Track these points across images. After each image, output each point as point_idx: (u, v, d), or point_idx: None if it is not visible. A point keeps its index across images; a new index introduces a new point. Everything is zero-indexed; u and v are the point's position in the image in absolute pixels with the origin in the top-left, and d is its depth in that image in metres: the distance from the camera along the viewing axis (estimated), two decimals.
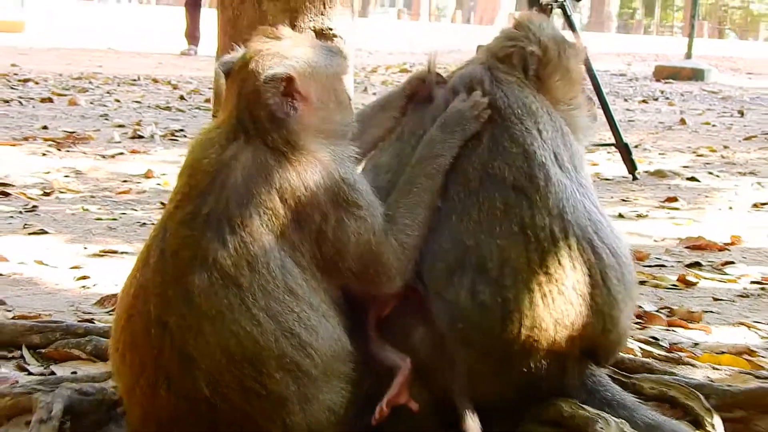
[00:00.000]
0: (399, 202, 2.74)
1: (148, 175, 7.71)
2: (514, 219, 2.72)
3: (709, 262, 5.40)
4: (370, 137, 3.01)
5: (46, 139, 9.15)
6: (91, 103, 12.11)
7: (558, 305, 2.70)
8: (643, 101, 14.85)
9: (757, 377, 3.26)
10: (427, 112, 2.94)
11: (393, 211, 2.72)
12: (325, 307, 2.61)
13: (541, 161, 2.77)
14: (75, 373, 3.33)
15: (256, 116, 2.63)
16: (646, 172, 8.47)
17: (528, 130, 2.81)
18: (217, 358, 2.47)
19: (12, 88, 13.29)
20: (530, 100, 2.88)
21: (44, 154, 8.47)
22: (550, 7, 7.89)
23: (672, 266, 5.30)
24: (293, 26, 3.19)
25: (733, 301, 4.69)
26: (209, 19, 18.07)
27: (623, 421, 2.67)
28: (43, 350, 3.55)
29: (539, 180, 2.74)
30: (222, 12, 3.33)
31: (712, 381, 3.25)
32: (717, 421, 2.85)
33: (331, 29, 3.26)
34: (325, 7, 3.25)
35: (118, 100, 12.47)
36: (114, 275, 4.80)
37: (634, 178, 8.16)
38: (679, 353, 3.67)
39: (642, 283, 4.76)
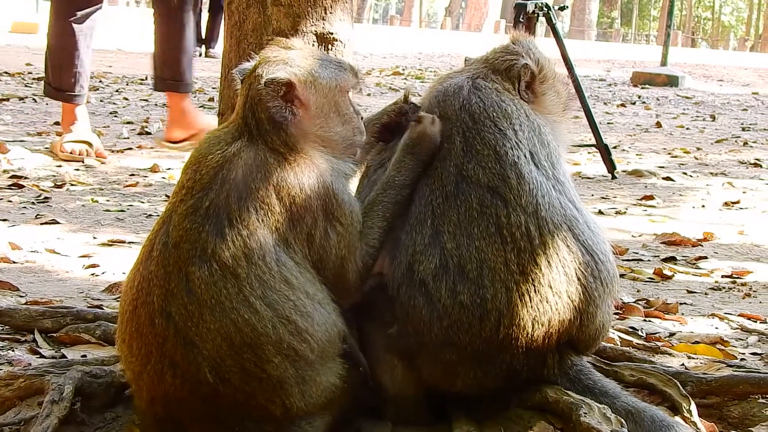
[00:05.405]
0: (365, 223, 2.71)
1: (154, 170, 7.68)
2: (491, 219, 2.67)
3: (683, 256, 5.40)
4: None
5: (58, 134, 9.09)
6: (101, 101, 12.05)
7: (535, 304, 2.65)
8: (622, 105, 14.84)
9: (730, 366, 3.26)
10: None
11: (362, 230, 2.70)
12: (321, 296, 2.60)
13: (514, 161, 2.72)
14: (85, 356, 3.32)
15: (259, 118, 2.62)
16: (624, 171, 8.46)
17: (502, 131, 2.76)
18: (219, 344, 2.46)
19: (26, 86, 13.21)
20: (506, 103, 2.84)
21: None
22: (536, 15, 7.84)
23: (649, 260, 5.30)
24: (296, 30, 3.18)
25: (706, 294, 4.68)
26: None
27: (605, 406, 2.66)
28: (54, 334, 3.54)
29: (511, 179, 2.70)
30: (228, 16, 3.30)
31: (687, 369, 3.25)
32: (693, 407, 2.85)
33: (331, 33, 3.24)
34: (326, 13, 3.22)
35: (126, 99, 12.41)
36: (122, 264, 4.77)
37: (613, 177, 8.15)
38: (656, 342, 3.67)
39: (621, 276, 4.75)
